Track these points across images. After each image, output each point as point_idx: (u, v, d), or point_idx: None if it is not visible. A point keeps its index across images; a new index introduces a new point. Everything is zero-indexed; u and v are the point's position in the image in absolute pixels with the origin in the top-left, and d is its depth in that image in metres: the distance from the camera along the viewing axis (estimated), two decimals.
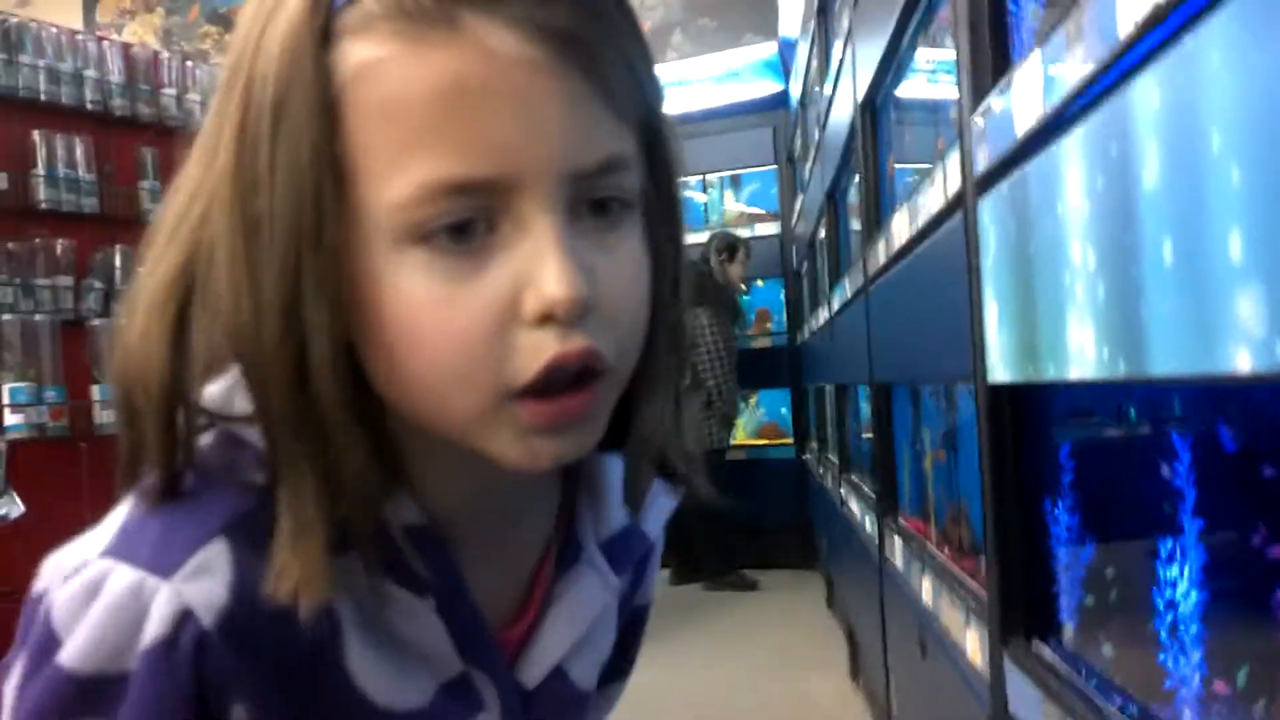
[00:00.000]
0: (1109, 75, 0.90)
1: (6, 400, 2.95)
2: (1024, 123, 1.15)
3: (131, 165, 3.37)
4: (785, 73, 6.21)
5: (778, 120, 6.27)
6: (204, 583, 0.55)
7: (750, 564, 5.90)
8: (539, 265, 0.54)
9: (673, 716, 3.74)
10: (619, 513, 0.74)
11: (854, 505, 3.32)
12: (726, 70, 6.51)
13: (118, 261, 3.30)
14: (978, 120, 1.38)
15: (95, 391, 3.17)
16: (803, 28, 4.81)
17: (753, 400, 6.48)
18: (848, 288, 3.20)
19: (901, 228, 2.04)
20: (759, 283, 6.35)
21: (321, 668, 0.58)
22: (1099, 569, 1.25)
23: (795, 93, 5.56)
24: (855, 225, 3.48)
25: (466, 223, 0.54)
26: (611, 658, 0.80)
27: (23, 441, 2.94)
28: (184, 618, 0.54)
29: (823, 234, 4.40)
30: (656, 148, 0.63)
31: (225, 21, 8.48)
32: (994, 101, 1.30)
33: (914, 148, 2.43)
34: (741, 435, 6.35)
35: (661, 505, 0.81)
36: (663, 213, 0.65)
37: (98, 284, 3.26)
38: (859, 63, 2.68)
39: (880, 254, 2.38)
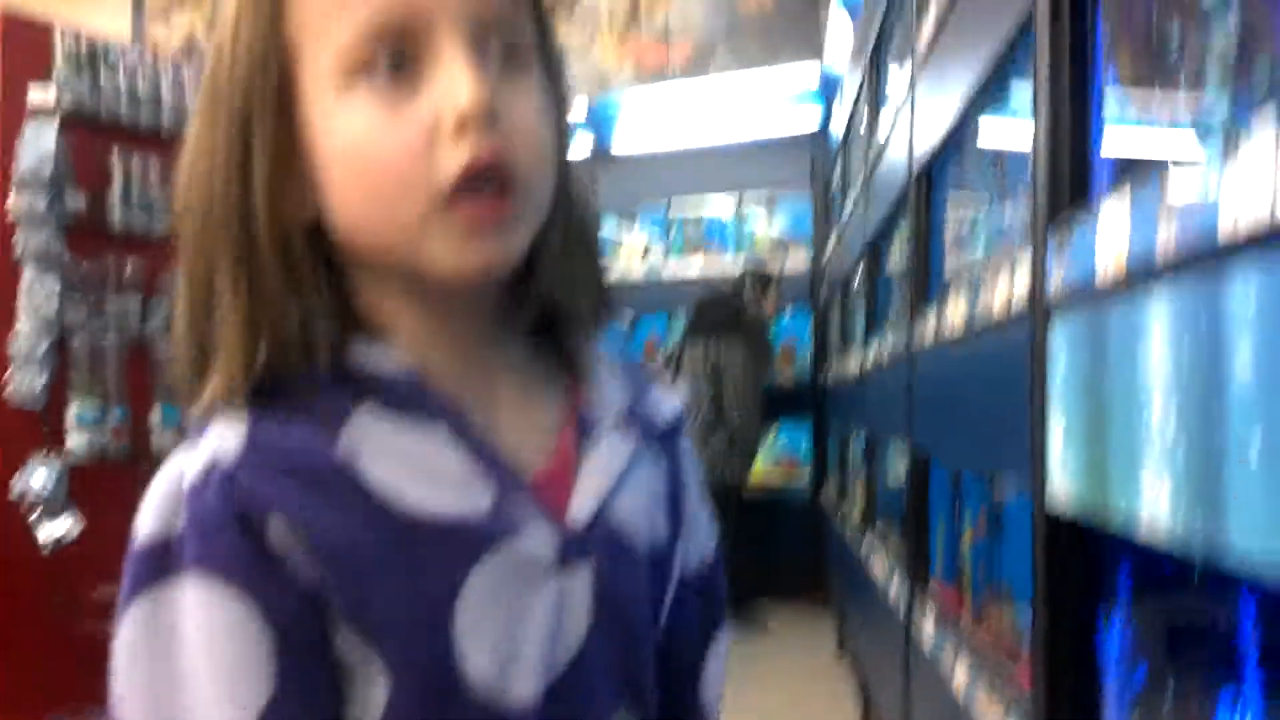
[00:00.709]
0: (1206, 246, 0.91)
1: (72, 420, 2.97)
2: (1108, 259, 1.15)
3: None
4: (826, 106, 6.21)
5: (815, 152, 6.27)
6: (219, 440, 0.66)
7: (760, 595, 5.89)
8: (452, 84, 0.66)
9: None
10: (619, 394, 0.82)
11: (878, 562, 3.32)
12: (767, 92, 6.51)
13: None
14: (1055, 239, 1.38)
15: (156, 413, 3.20)
16: (852, 61, 4.81)
17: (772, 433, 6.48)
18: (889, 344, 3.19)
19: (957, 313, 2.04)
20: (786, 315, 6.35)
21: (347, 487, 0.66)
22: (1153, 696, 1.25)
23: (837, 126, 5.55)
24: (895, 271, 3.49)
25: (397, 56, 0.66)
26: (700, 604, 0.88)
27: (83, 462, 2.96)
28: (209, 467, 0.65)
29: (859, 278, 4.40)
30: (543, 17, 0.75)
31: None
32: (1076, 226, 1.30)
33: (970, 219, 2.44)
34: (759, 467, 6.34)
35: (670, 397, 0.87)
36: (554, 75, 0.75)
37: (165, 304, 3.27)
38: (918, 125, 2.68)
39: (930, 328, 2.38)
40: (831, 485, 5.72)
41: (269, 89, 0.68)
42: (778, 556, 6.08)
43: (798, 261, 6.34)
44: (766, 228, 6.52)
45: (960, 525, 2.34)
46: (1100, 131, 1.38)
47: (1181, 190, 0.97)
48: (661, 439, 0.84)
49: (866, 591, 3.56)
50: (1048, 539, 1.38)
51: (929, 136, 2.50)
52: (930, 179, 2.64)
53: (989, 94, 2.01)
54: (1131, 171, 1.29)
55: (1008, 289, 1.64)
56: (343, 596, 0.64)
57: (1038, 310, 1.44)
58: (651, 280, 6.68)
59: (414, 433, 0.69)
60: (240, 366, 0.67)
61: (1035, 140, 1.49)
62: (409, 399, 0.70)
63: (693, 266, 6.58)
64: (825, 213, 6.16)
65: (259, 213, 0.68)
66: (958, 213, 2.56)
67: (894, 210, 3.21)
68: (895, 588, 2.89)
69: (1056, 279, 1.36)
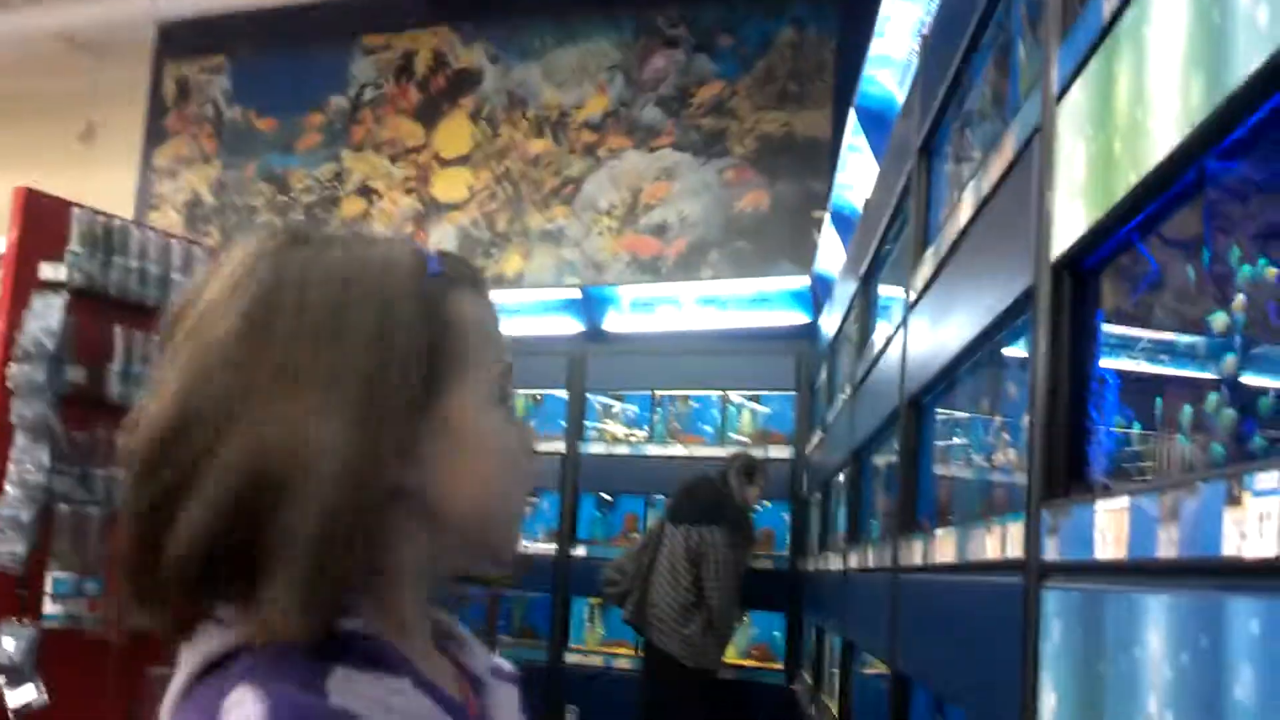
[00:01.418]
0: (1208, 563, 1.01)
1: (49, 589, 2.99)
2: (1105, 553, 1.26)
3: None
4: (815, 305, 6.43)
5: (801, 349, 6.46)
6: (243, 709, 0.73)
7: None
8: (522, 417, 0.99)
9: None
10: (482, 652, 0.99)
11: None
12: (757, 294, 6.75)
13: None
14: (1047, 515, 1.49)
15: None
16: (844, 271, 5.02)
17: (746, 619, 6.49)
18: (871, 557, 3.28)
19: (946, 549, 2.14)
20: (766, 503, 6.43)
21: None
22: None
23: (827, 328, 5.74)
24: (880, 482, 3.59)
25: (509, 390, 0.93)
26: None
27: (57, 631, 2.97)
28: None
29: (842, 481, 4.51)
30: None
31: (279, 181, 8.78)
32: (1071, 509, 1.41)
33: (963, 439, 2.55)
34: (731, 653, 6.33)
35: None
36: None
37: None
38: (910, 353, 2.82)
39: (916, 553, 2.47)
40: (806, 675, 5.72)
41: (419, 382, 0.82)
42: None
43: (779, 452, 6.46)
44: (750, 419, 6.66)
45: None
46: (1098, 414, 1.51)
47: (1177, 500, 1.08)
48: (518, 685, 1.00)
49: None
50: None
51: (922, 369, 2.65)
52: (920, 408, 2.77)
53: (984, 343, 2.15)
54: (1127, 463, 1.42)
55: (999, 545, 1.75)
56: None
57: (1030, 575, 1.54)
58: (635, 458, 6.78)
59: (388, 684, 0.79)
60: (312, 607, 0.76)
61: (1032, 417, 1.61)
62: (378, 657, 0.80)
63: (676, 450, 6.69)
64: (809, 409, 6.31)
65: (374, 477, 0.79)
66: (948, 434, 2.68)
67: (882, 426, 3.33)
68: None
69: (1051, 549, 1.47)
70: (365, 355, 0.80)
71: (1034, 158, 1.70)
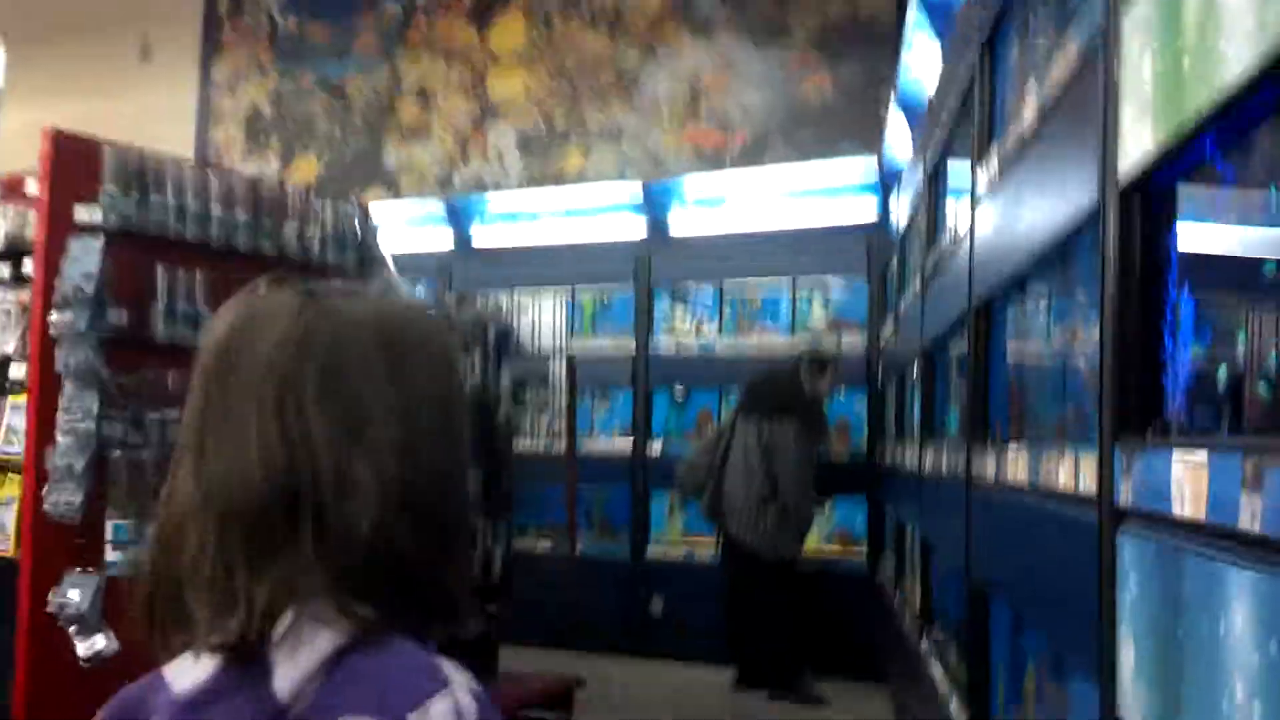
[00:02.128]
0: None
1: (110, 537, 2.99)
2: (1183, 510, 1.19)
3: None
4: (884, 194, 6.26)
5: (872, 237, 6.31)
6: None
7: (816, 670, 5.88)
8: None
9: None
10: None
11: (937, 672, 3.33)
12: (825, 186, 6.58)
13: None
14: (1121, 455, 1.42)
15: None
16: (913, 158, 4.86)
17: (826, 508, 6.48)
18: (946, 461, 3.22)
19: (1019, 469, 2.08)
20: (840, 394, 6.37)
21: None
22: None
23: (896, 215, 5.59)
24: (952, 385, 3.52)
25: None
26: None
27: (121, 578, 2.95)
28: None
29: (914, 376, 4.43)
30: None
31: (337, 91, 8.70)
32: (1146, 454, 1.33)
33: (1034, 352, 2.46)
34: (814, 541, 6.35)
35: None
36: None
37: None
38: (978, 259, 2.72)
39: (989, 469, 2.41)
40: (888, 564, 5.72)
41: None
42: (833, 631, 6.07)
43: (852, 343, 6.37)
44: (822, 309, 6.56)
45: (1023, 661, 2.36)
46: (1174, 347, 1.42)
47: (1260, 467, 1.01)
48: None
49: (928, 696, 3.57)
50: None
51: (989, 273, 2.54)
52: (989, 315, 2.68)
53: (1050, 257, 2.05)
54: (1207, 402, 1.33)
55: (1071, 476, 1.68)
56: None
57: (1104, 517, 1.47)
58: (705, 354, 6.73)
59: None
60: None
61: (1102, 349, 1.53)
62: None
63: (747, 344, 6.62)
64: (881, 299, 6.19)
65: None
66: (1020, 340, 2.59)
67: (950, 328, 3.24)
68: (955, 713, 2.90)
69: (1125, 492, 1.40)
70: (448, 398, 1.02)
71: (1098, 68, 1.58)
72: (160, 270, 3.15)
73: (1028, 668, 2.31)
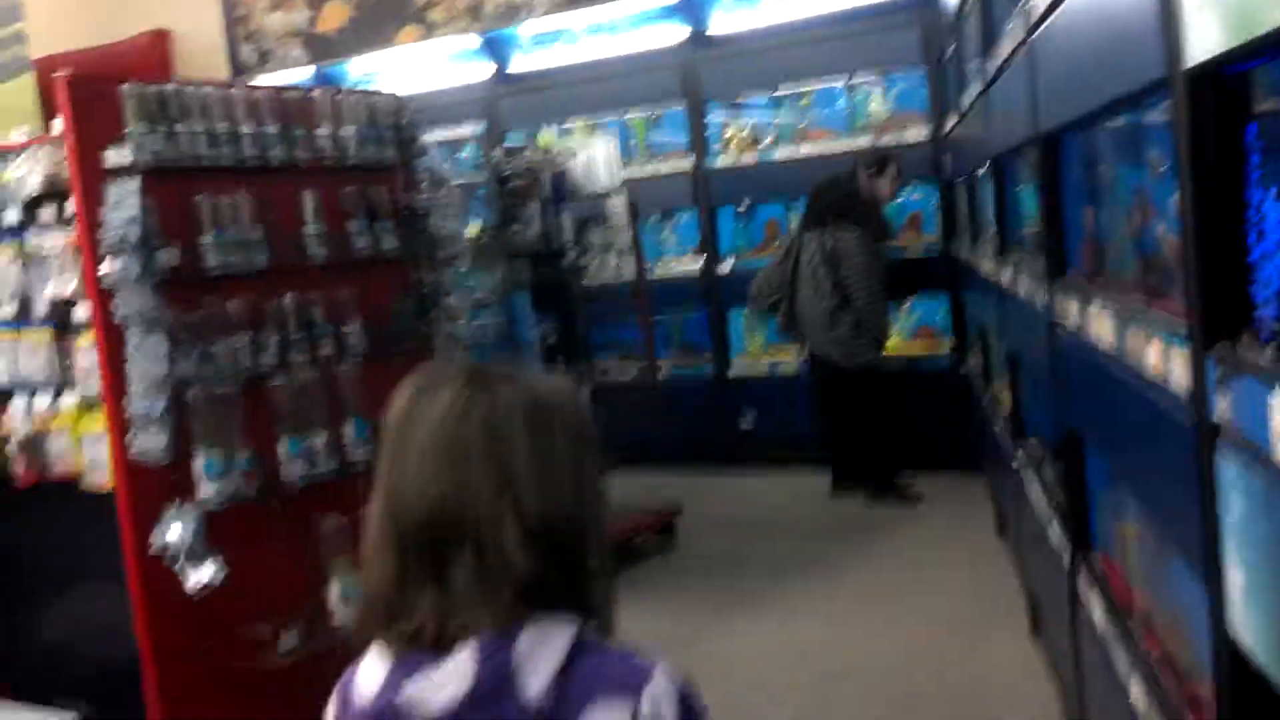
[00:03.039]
0: None
1: (201, 471, 3.01)
2: None
3: (293, 212, 3.34)
4: None
5: (925, 18, 5.99)
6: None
7: (911, 467, 5.92)
8: None
9: (820, 664, 3.85)
10: None
11: (1034, 492, 3.31)
12: None
13: (290, 310, 3.27)
14: (1215, 367, 1.34)
15: (282, 446, 3.20)
16: None
17: (905, 306, 6.39)
18: (1023, 285, 3.12)
19: (1103, 328, 1.99)
20: (909, 190, 6.18)
21: None
22: None
23: None
24: (1025, 189, 3.37)
25: None
26: None
27: (218, 511, 3.01)
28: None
29: (986, 176, 4.26)
30: None
31: None
32: (1244, 377, 1.25)
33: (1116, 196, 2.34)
34: (897, 340, 6.29)
35: None
36: None
37: (273, 337, 3.21)
38: (1041, 83, 2.55)
39: (1072, 316, 2.32)
40: (974, 357, 5.66)
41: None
42: (924, 428, 6.08)
43: (916, 134, 6.14)
44: (880, 102, 6.30)
45: (1122, 511, 2.32)
46: (1263, 247, 1.31)
47: None
48: None
49: (1024, 510, 3.56)
50: (1233, 682, 1.37)
51: (1056, 102, 2.38)
52: (1056, 147, 2.53)
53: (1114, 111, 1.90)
54: None
55: (1161, 363, 1.59)
56: None
57: (1201, 433, 1.40)
58: (766, 165, 6.56)
59: None
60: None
61: (1185, 245, 1.42)
62: None
63: (806, 149, 6.42)
64: (941, 83, 5.91)
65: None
66: (1094, 189, 2.45)
67: (1017, 151, 3.08)
68: (1056, 539, 2.89)
69: (1223, 407, 1.32)
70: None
71: None
72: (203, 201, 3.09)
73: (1126, 519, 2.27)
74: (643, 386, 6.43)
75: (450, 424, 1.17)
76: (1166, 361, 1.57)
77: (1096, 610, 2.36)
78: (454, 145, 7.25)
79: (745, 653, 4.07)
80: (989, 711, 3.48)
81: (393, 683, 1.15)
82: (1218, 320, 1.35)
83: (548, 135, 7.09)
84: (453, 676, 1.12)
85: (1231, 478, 1.30)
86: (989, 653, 3.88)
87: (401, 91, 3.78)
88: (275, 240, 3.29)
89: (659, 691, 1.14)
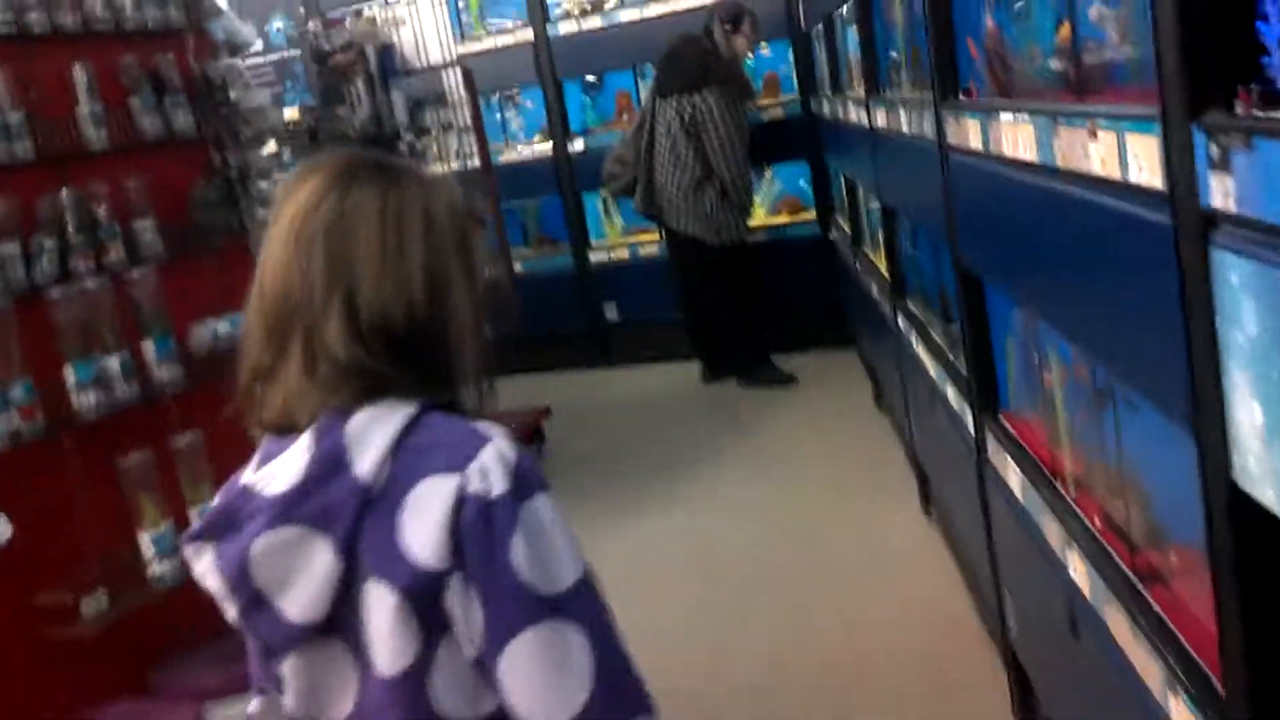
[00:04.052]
0: None
1: None
2: None
3: (62, 89, 2.78)
4: None
5: None
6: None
7: (781, 347, 5.65)
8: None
9: (731, 548, 3.59)
10: None
11: (923, 356, 3.03)
12: None
13: (67, 207, 2.72)
14: (1204, 139, 1.00)
15: (69, 373, 2.65)
16: None
17: (767, 174, 6.06)
18: (905, 119, 2.79)
19: (1020, 141, 1.66)
20: (764, 47, 5.80)
21: None
22: None
23: None
24: (896, 21, 3.03)
25: None
26: None
27: None
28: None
29: (849, 13, 3.91)
30: None
31: None
32: (1252, 140, 0.92)
33: None
34: (759, 212, 5.97)
35: None
36: None
37: (48, 242, 2.68)
38: None
39: (971, 138, 1.99)
40: (842, 223, 5.37)
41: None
42: (795, 303, 5.81)
43: None
44: None
45: (1043, 359, 2.02)
46: None
47: None
48: None
49: (914, 378, 3.30)
50: (1236, 527, 1.07)
51: None
52: None
53: None
54: None
55: (1113, 160, 1.26)
56: None
57: (1185, 220, 1.07)
58: (612, 29, 6.09)
59: None
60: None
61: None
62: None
63: (656, 10, 5.96)
64: None
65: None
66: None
67: None
68: (954, 402, 2.61)
69: (1219, 194, 0.99)
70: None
71: None
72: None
73: (1051, 362, 1.97)
74: (495, 282, 5.98)
75: (300, 214, 1.16)
76: (1122, 156, 1.24)
77: (1013, 478, 2.08)
78: (259, 19, 6.58)
79: (629, 552, 3.76)
80: (887, 589, 3.24)
81: (252, 468, 1.18)
82: (1206, 84, 1.02)
83: (370, 12, 6.49)
84: (291, 459, 1.12)
85: (1240, 279, 0.98)
86: (880, 528, 3.65)
87: None
88: (41, 125, 2.73)
89: (486, 461, 1.10)
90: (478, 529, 1.08)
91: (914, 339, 3.19)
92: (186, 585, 1.49)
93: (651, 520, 4.12)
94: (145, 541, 2.69)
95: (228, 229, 3.17)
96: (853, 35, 3.82)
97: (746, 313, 5.55)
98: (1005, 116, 1.74)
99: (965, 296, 2.30)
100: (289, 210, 1.17)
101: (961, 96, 2.20)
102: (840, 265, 5.34)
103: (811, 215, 5.94)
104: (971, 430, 2.42)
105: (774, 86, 5.98)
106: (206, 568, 1.15)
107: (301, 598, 1.11)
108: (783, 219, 6.07)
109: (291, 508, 1.11)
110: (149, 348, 2.85)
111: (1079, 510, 1.78)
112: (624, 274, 6.32)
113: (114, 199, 2.88)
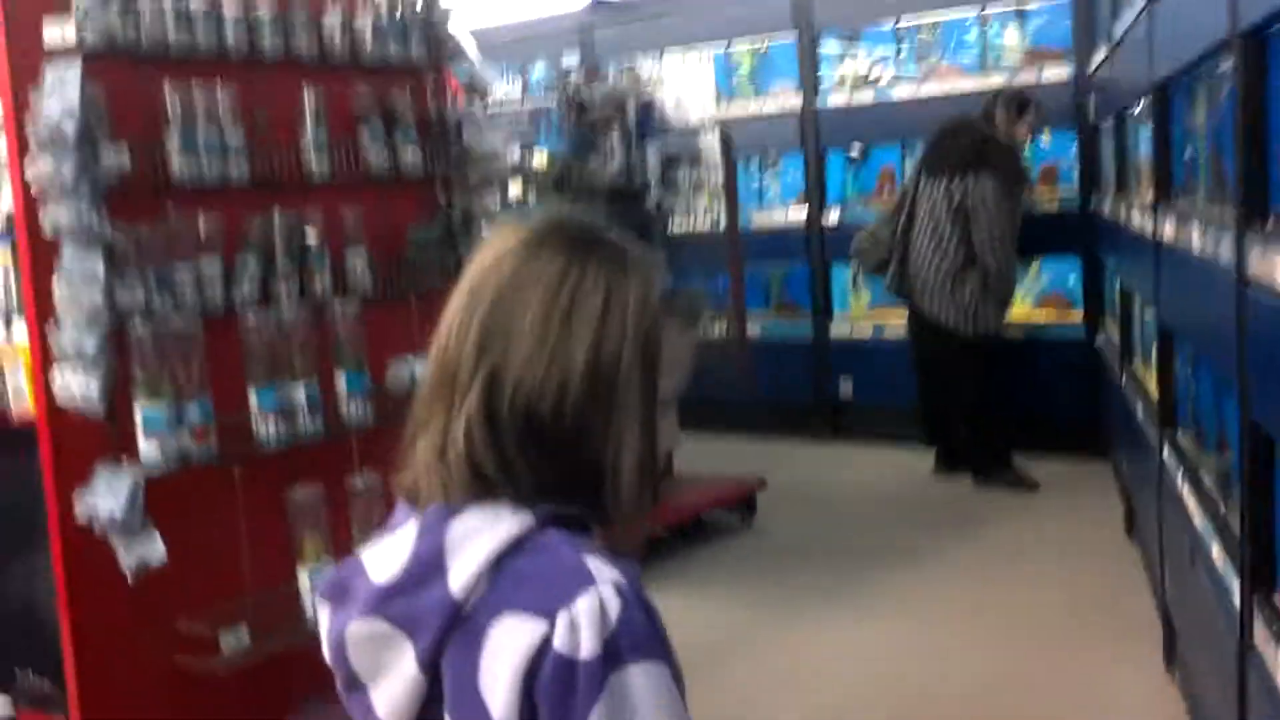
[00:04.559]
0: None
1: (141, 425, 2.40)
2: None
3: (288, 114, 2.73)
4: None
5: None
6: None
7: (1027, 447, 5.26)
8: None
9: (920, 682, 3.26)
10: None
11: (1190, 502, 2.66)
12: None
13: (277, 232, 2.67)
14: None
15: (254, 400, 2.57)
16: None
17: (1034, 267, 5.69)
18: (1198, 241, 2.46)
19: None
20: (1045, 136, 5.46)
21: None
22: None
23: None
24: (1198, 129, 2.71)
25: None
26: None
27: (162, 473, 2.41)
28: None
29: (1140, 114, 3.58)
30: None
31: None
32: None
33: None
34: (1021, 308, 5.60)
35: None
36: None
37: (253, 263, 2.63)
38: None
39: (1277, 273, 1.69)
40: (1110, 328, 4.96)
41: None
42: (1048, 405, 5.43)
43: (1057, 75, 5.41)
44: (1017, 36, 5.55)
45: None
46: None
47: None
48: None
49: (1175, 520, 2.92)
50: None
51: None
52: (1264, 49, 1.88)
53: None
54: None
55: None
56: None
57: None
58: (883, 105, 5.88)
59: None
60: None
61: None
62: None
63: (931, 88, 5.72)
64: (1089, 16, 5.17)
65: None
66: None
67: (1199, 61, 2.42)
68: (1220, 565, 2.26)
69: None
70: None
71: None
72: (168, 92, 2.52)
73: None
74: (729, 344, 5.84)
75: (479, 271, 1.07)
76: None
77: (1274, 657, 1.75)
78: (523, 65, 6.70)
79: (820, 658, 3.51)
80: None
81: (377, 536, 1.09)
82: None
83: (643, 69, 6.53)
84: (397, 547, 1.03)
85: None
86: (1111, 682, 3.26)
87: (490, 20, 3.19)
88: (262, 147, 2.70)
89: (580, 612, 0.92)
90: (554, 693, 0.92)
91: (1180, 478, 2.82)
92: None
93: (844, 627, 3.82)
94: (304, 579, 2.62)
95: (442, 270, 3.03)
96: (1146, 134, 3.48)
97: (992, 408, 5.21)
98: None
99: (1251, 455, 1.97)
100: (475, 265, 1.08)
101: (1271, 223, 1.89)
102: (1105, 374, 4.93)
103: (1077, 316, 5.54)
104: (1237, 606, 2.07)
105: (1051, 178, 5.62)
106: (323, 631, 1.08)
107: (388, 698, 1.01)
108: (1045, 317, 5.68)
109: (384, 603, 1.01)
110: (341, 380, 2.77)
111: None
112: (863, 351, 6.08)
113: (329, 228, 2.84)
